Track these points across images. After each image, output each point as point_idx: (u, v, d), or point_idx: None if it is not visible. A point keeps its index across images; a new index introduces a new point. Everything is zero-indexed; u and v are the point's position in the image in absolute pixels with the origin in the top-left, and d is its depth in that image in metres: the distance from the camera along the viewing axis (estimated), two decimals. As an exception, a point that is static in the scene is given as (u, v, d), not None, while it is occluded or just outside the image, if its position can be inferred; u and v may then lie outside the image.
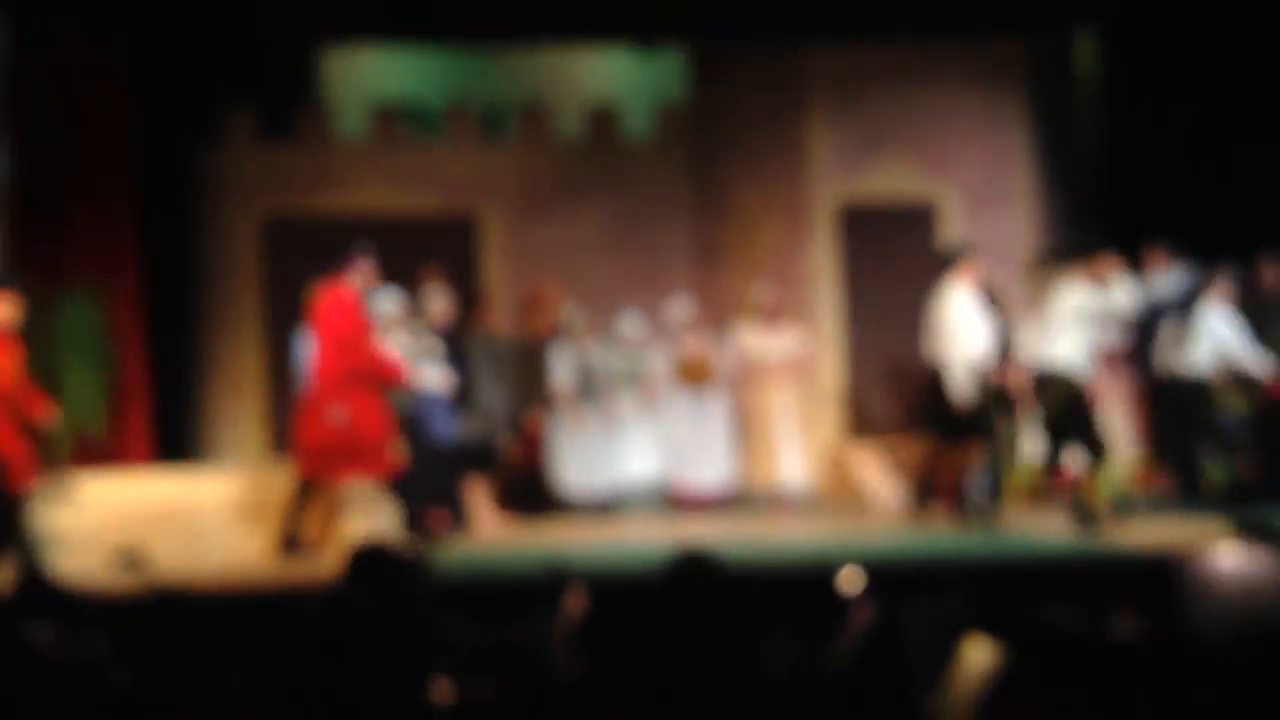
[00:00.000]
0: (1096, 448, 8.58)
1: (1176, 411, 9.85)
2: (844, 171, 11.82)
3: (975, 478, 9.16)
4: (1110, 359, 10.02)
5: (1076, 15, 11.74)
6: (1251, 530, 5.85)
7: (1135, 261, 10.12)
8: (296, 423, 8.24)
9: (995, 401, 9.05)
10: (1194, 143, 10.90)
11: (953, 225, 11.83)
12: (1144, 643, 5.13)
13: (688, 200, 12.26)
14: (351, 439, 7.92)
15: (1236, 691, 4.38)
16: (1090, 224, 11.78)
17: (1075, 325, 8.71)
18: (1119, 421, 10.10)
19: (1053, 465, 9.05)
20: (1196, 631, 5.17)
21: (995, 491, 9.11)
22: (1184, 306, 9.90)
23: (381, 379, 8.12)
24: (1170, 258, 10.11)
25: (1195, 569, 5.47)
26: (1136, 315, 9.79)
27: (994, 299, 9.54)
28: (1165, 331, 9.86)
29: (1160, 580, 5.59)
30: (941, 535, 8.61)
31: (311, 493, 8.03)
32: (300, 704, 4.16)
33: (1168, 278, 10.09)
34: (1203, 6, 10.62)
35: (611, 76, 12.79)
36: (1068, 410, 8.65)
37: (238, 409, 11.60)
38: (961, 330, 8.90)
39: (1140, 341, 10.02)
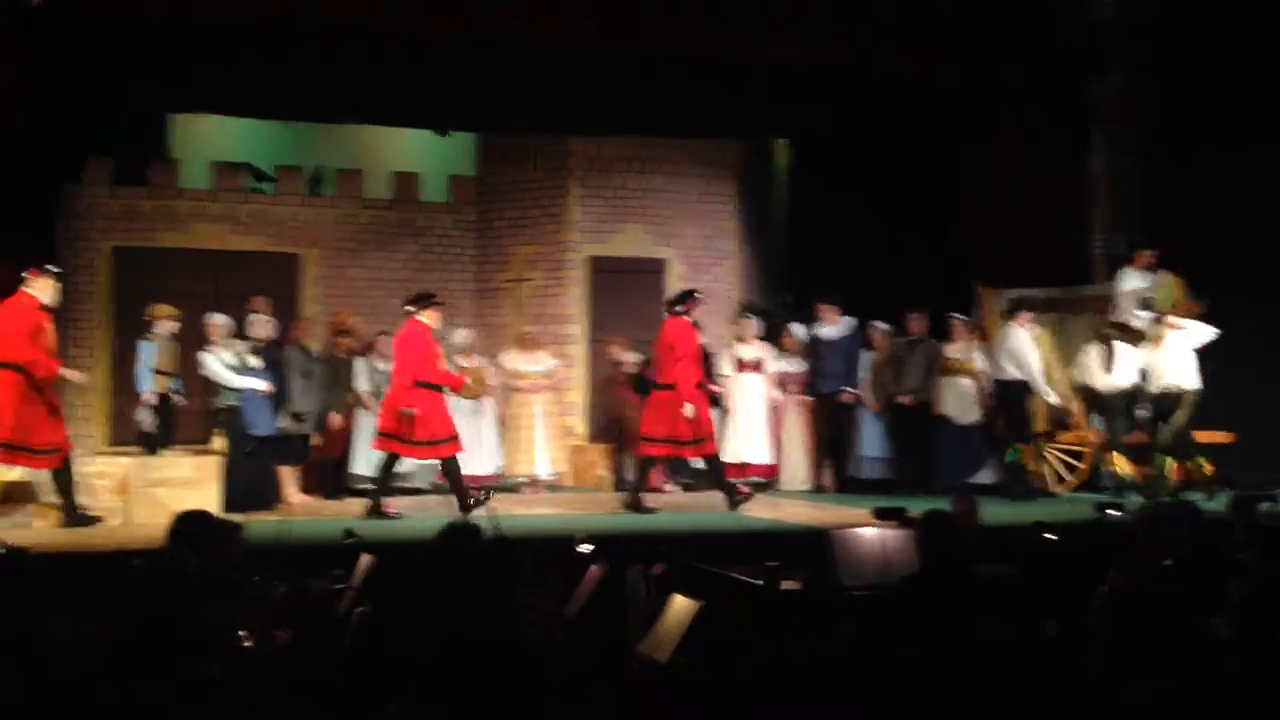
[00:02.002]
0: None
1: (838, 425, 10.26)
2: (594, 234, 11.90)
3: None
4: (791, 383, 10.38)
5: (772, 128, 12.09)
6: (884, 514, 6.12)
7: (811, 313, 10.51)
8: None
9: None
10: (858, 225, 11.32)
11: (677, 279, 12.03)
12: (804, 592, 5.30)
13: (472, 251, 12.20)
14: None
15: (869, 626, 4.56)
16: (781, 283, 12.13)
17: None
18: (797, 431, 10.42)
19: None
20: (841, 584, 5.39)
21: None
22: (848, 347, 10.30)
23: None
24: (839, 311, 10.47)
25: (842, 540, 5.70)
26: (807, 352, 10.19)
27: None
28: (832, 365, 10.23)
29: (817, 547, 5.80)
30: (652, 513, 8.72)
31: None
32: (128, 647, 3.96)
33: (836, 326, 10.43)
34: (867, 123, 11.07)
35: (415, 150, 12.63)
36: None
37: (85, 408, 10.97)
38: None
39: (813, 373, 10.37)
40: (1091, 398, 9.87)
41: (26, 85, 9.43)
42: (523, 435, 10.41)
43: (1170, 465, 9.49)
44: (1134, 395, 9.64)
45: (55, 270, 7.69)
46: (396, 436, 8.37)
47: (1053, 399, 9.76)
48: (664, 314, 9.28)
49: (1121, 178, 11.15)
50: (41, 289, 7.53)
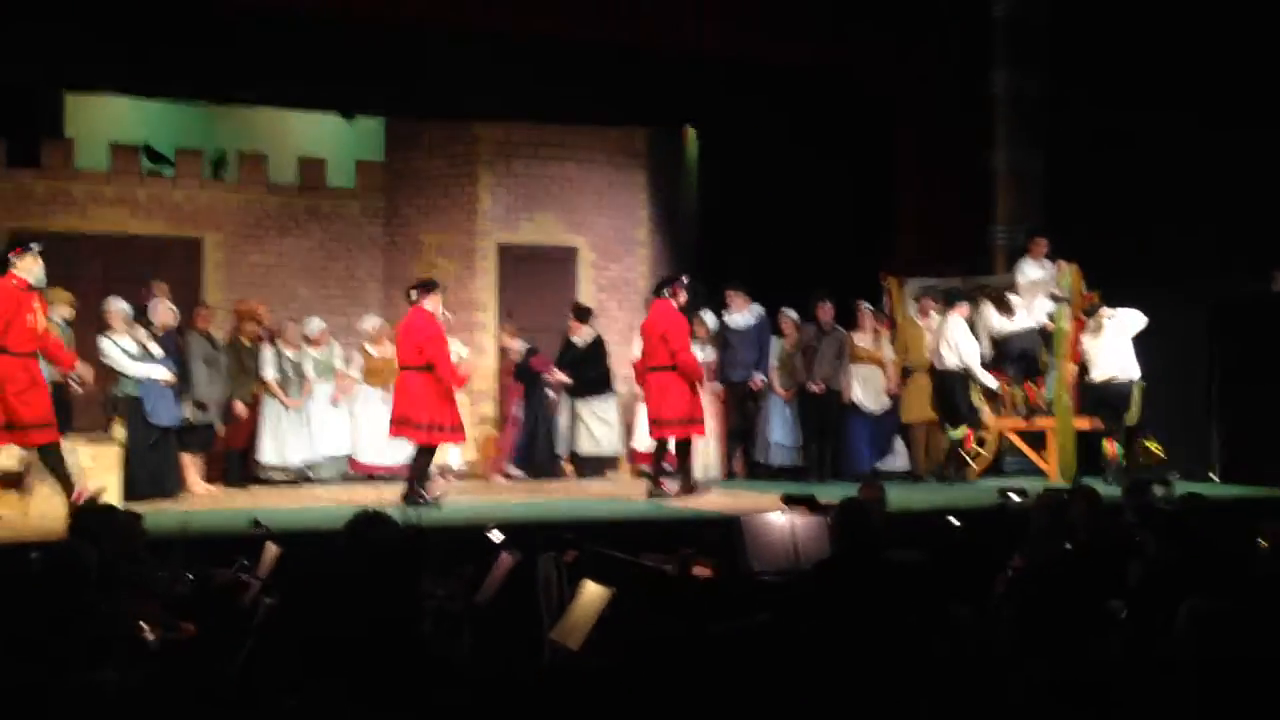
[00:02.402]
0: None
1: (748, 412, 10.34)
2: (504, 222, 11.81)
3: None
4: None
5: (680, 116, 12.13)
6: (794, 501, 6.18)
7: (721, 301, 10.56)
8: None
9: None
10: (768, 214, 11.42)
11: (588, 268, 12.01)
12: (716, 578, 5.33)
13: (380, 239, 12.02)
14: None
15: (781, 611, 4.60)
16: (691, 272, 12.14)
17: None
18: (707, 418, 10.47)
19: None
20: (752, 570, 5.43)
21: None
22: (758, 335, 10.38)
23: None
24: (749, 299, 10.53)
25: (753, 526, 5.75)
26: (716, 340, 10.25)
27: None
28: (742, 353, 10.29)
29: (728, 534, 5.84)
30: (563, 501, 8.71)
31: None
32: (26, 642, 3.84)
33: (746, 315, 10.50)
34: (775, 113, 11.15)
35: (321, 135, 12.38)
36: None
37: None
38: None
39: (721, 360, 10.43)
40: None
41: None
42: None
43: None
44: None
45: (39, 248, 7.58)
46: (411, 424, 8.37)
47: (991, 384, 9.93)
48: (651, 297, 9.30)
49: (1022, 171, 11.40)
50: (26, 269, 7.46)
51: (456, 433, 8.56)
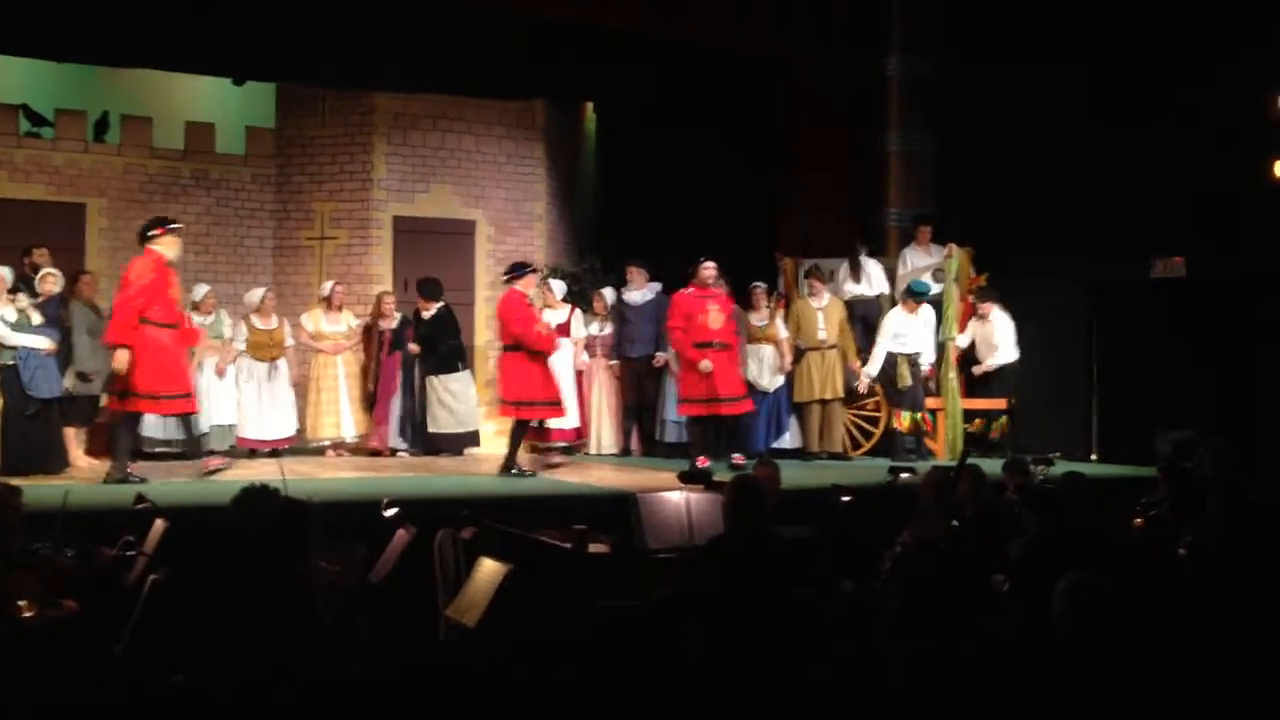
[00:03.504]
0: None
1: (644, 389, 10.39)
2: (400, 193, 11.68)
3: None
4: (599, 347, 10.45)
5: (579, 91, 12.10)
6: (690, 477, 6.25)
7: (619, 277, 10.57)
8: None
9: None
10: (665, 191, 11.47)
11: (485, 241, 11.93)
12: (612, 555, 5.37)
13: (271, 206, 11.78)
14: None
15: (673, 584, 4.66)
16: (589, 247, 12.18)
17: None
18: (604, 394, 10.51)
19: None
20: (647, 546, 5.48)
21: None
22: (655, 312, 10.42)
23: None
24: (647, 276, 10.56)
25: (648, 503, 5.80)
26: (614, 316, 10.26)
27: None
28: (640, 330, 10.34)
29: (623, 511, 5.89)
30: (459, 477, 8.67)
31: None
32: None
33: (644, 291, 10.53)
34: (673, 89, 11.20)
35: (209, 98, 12.07)
36: None
37: None
38: None
39: (619, 336, 10.46)
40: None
41: None
42: (325, 397, 10.16)
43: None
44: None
45: (178, 226, 8.05)
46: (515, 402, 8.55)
47: (854, 367, 10.15)
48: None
49: (915, 153, 11.62)
50: (168, 245, 7.87)
51: (553, 408, 8.83)
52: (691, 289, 9.21)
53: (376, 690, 3.87)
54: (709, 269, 9.18)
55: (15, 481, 5.69)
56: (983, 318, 10.28)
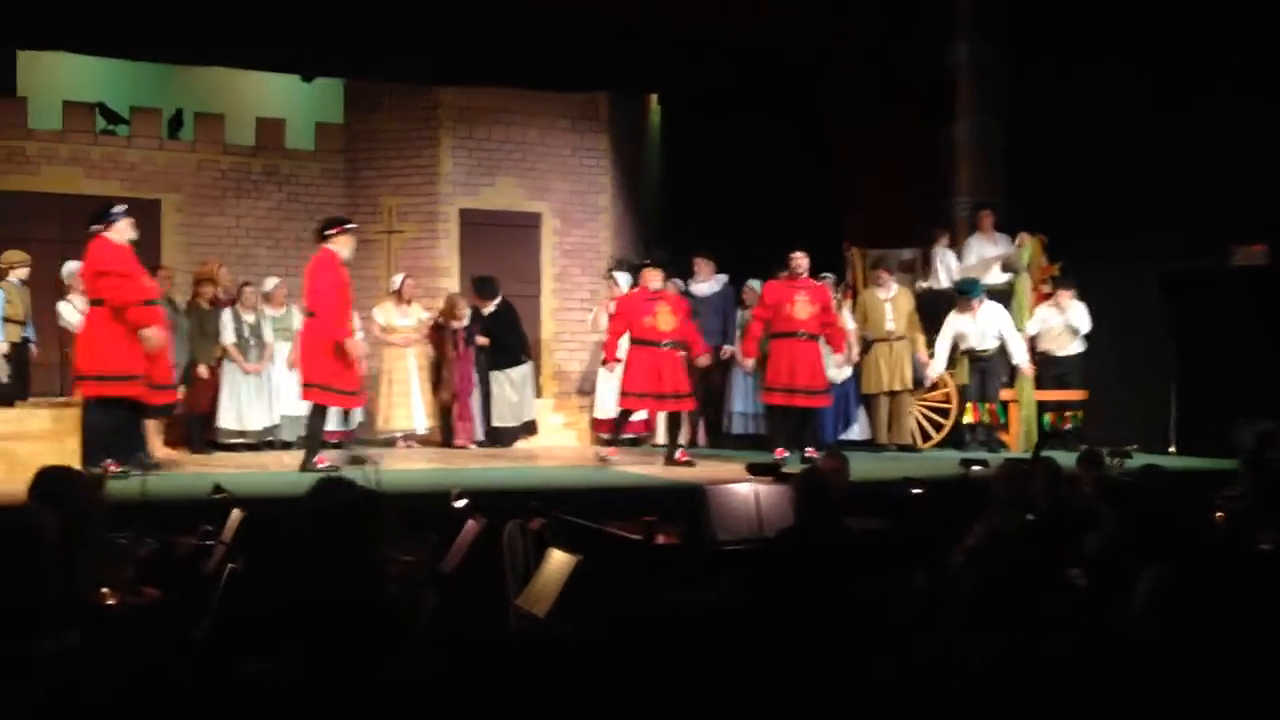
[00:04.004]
0: None
1: (711, 381, 10.38)
2: (466, 186, 11.77)
3: None
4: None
5: (644, 83, 12.10)
6: (759, 469, 6.23)
7: (685, 269, 10.58)
8: None
9: None
10: (732, 182, 11.44)
11: (551, 234, 11.99)
12: (680, 547, 5.38)
13: (340, 201, 11.92)
14: None
15: (746, 580, 4.66)
16: (655, 239, 12.19)
17: None
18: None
19: None
20: (716, 538, 5.48)
21: None
22: (722, 304, 10.43)
23: None
24: (713, 267, 10.57)
25: (717, 495, 5.80)
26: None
27: None
28: (706, 322, 10.33)
29: (692, 503, 5.89)
30: (529, 468, 8.72)
31: None
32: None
33: (711, 283, 10.54)
34: (738, 83, 11.16)
35: (279, 95, 12.26)
36: None
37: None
38: None
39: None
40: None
41: None
42: (396, 390, 10.29)
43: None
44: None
45: (353, 226, 8.23)
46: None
47: (922, 358, 10.06)
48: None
49: (984, 142, 11.46)
50: (343, 244, 7.96)
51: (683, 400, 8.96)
52: (782, 279, 9.23)
53: (448, 679, 3.92)
54: (798, 259, 9.17)
55: (96, 473, 5.86)
56: (1059, 306, 10.10)
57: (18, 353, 8.54)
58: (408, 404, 10.27)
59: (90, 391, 7.45)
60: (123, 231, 7.60)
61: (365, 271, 11.69)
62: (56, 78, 11.51)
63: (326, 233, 8.01)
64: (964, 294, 9.94)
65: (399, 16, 9.89)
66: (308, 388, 8.03)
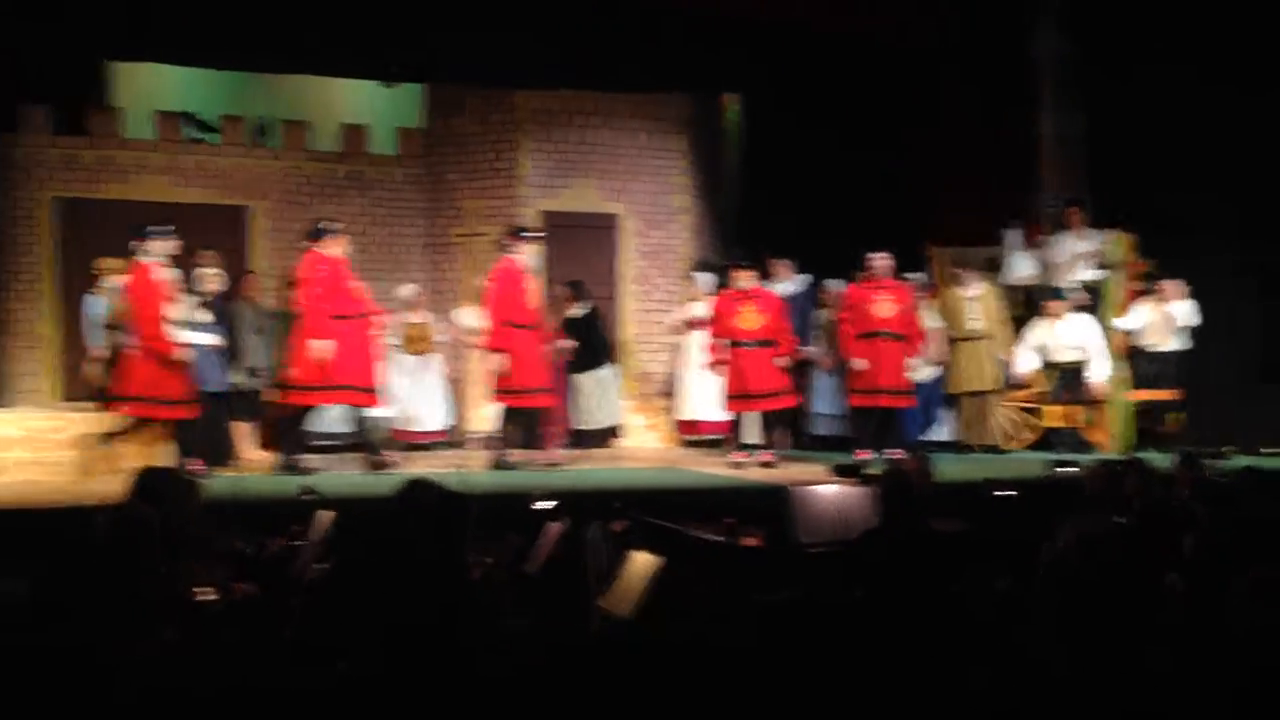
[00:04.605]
0: None
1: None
2: (545, 189, 11.84)
3: None
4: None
5: (721, 83, 12.08)
6: (842, 471, 6.20)
7: (764, 270, 10.53)
8: None
9: None
10: (811, 182, 11.36)
11: (630, 235, 12.02)
12: (764, 548, 5.37)
13: (422, 205, 12.08)
14: None
15: (825, 580, 4.63)
16: (733, 239, 12.16)
17: None
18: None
19: None
20: (800, 540, 5.46)
21: None
22: (802, 304, 10.38)
23: None
24: (792, 268, 10.53)
25: (801, 496, 5.78)
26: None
27: None
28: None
29: (775, 504, 5.88)
30: (610, 469, 8.76)
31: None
32: (85, 606, 3.93)
33: (790, 283, 10.50)
34: (816, 78, 11.09)
35: (362, 101, 12.46)
36: None
37: (33, 362, 10.80)
38: None
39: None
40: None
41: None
42: (477, 392, 10.39)
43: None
44: None
45: (533, 234, 8.74)
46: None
47: (1007, 357, 9.93)
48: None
49: (1066, 135, 11.26)
50: (526, 252, 8.49)
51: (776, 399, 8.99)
52: (863, 280, 9.19)
53: (532, 681, 3.96)
54: (878, 260, 9.11)
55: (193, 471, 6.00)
56: (1161, 302, 9.86)
57: (116, 357, 8.77)
58: (484, 405, 10.36)
59: (295, 400, 8.15)
60: (331, 246, 8.13)
61: (447, 275, 11.84)
62: (149, 88, 11.83)
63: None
64: (1058, 297, 9.80)
65: (478, 21, 9.99)
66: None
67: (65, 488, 7.38)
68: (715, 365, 9.01)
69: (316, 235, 8.31)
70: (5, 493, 6.90)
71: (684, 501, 6.75)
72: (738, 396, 8.89)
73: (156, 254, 7.97)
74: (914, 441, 9.61)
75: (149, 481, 4.67)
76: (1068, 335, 9.75)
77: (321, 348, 7.96)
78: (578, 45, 10.40)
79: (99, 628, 3.80)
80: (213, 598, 4.31)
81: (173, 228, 8.15)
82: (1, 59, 9.85)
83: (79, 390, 9.85)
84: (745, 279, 9.00)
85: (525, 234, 8.58)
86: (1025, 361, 9.82)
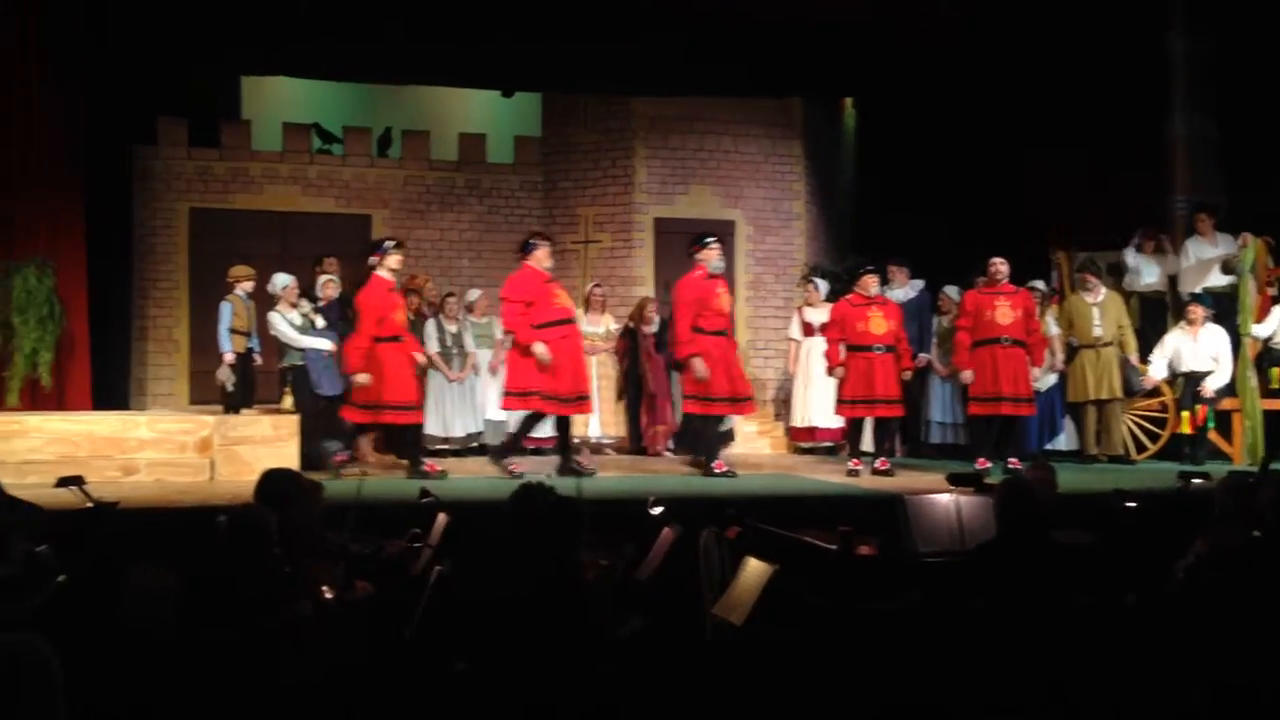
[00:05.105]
0: None
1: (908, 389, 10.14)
2: (660, 195, 11.87)
3: None
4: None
5: (837, 87, 11.98)
6: (960, 480, 6.06)
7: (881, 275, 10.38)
8: None
9: None
10: (928, 186, 11.20)
11: (745, 241, 11.98)
12: (879, 557, 5.29)
13: (538, 212, 12.22)
14: None
15: (941, 591, 4.54)
16: (849, 245, 12.04)
17: None
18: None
19: None
20: (916, 550, 5.37)
21: None
22: (918, 311, 10.22)
23: None
24: (909, 273, 10.39)
25: (917, 505, 5.68)
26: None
27: None
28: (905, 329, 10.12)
29: (890, 513, 5.78)
30: (723, 476, 8.73)
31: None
32: (215, 601, 4.05)
33: (906, 289, 10.36)
34: (934, 81, 10.91)
35: (480, 111, 12.69)
36: None
37: (167, 366, 11.23)
38: None
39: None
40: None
41: (102, 46, 9.62)
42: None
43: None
44: None
45: (711, 240, 8.72)
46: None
47: (1134, 364, 9.65)
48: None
49: (1199, 137, 10.87)
50: (707, 258, 8.56)
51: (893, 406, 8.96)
52: (982, 286, 9.03)
53: (646, 685, 3.96)
54: (997, 265, 8.95)
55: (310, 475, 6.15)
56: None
57: (242, 362, 9.06)
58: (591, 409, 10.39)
59: (510, 406, 8.48)
60: (540, 260, 8.36)
61: (563, 281, 11.90)
62: (277, 101, 12.22)
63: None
64: (1201, 303, 9.52)
65: (596, 30, 10.08)
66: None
67: (193, 488, 7.63)
68: (834, 370, 8.93)
69: (527, 249, 8.47)
70: (138, 492, 7.15)
71: (798, 509, 6.69)
72: (856, 401, 8.80)
73: (390, 267, 8.31)
74: (1035, 451, 9.40)
75: (272, 484, 4.80)
76: (1206, 344, 9.46)
77: (540, 352, 8.17)
78: (695, 52, 10.41)
79: (239, 622, 3.91)
80: (330, 596, 4.40)
81: (397, 241, 8.55)
82: (143, 75, 10.26)
83: (208, 394, 10.20)
84: (871, 284, 8.92)
85: (708, 241, 8.61)
86: (1159, 369, 9.53)
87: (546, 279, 8.37)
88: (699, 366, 8.37)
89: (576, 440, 10.31)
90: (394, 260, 8.35)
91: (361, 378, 8.14)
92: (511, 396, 8.33)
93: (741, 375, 8.79)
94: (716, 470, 8.43)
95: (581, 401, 8.47)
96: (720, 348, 8.53)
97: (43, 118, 9.52)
